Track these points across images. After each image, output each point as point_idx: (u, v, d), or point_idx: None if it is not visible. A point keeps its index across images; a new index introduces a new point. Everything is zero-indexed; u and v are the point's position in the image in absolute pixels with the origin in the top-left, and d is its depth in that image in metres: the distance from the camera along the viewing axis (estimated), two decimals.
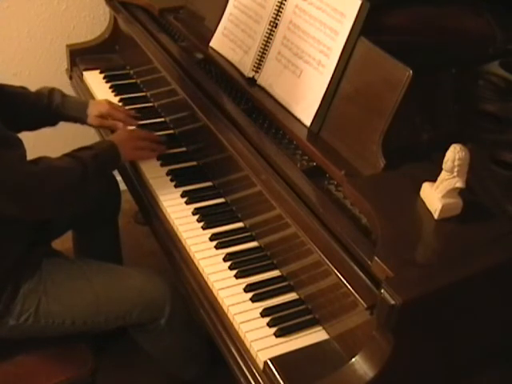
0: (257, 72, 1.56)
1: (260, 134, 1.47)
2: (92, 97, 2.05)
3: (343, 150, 1.31)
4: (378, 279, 1.06)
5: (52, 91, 1.73)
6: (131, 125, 1.82)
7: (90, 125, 1.80)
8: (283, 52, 1.49)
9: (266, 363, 1.19)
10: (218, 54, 1.70)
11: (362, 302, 1.11)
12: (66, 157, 1.48)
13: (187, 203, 1.57)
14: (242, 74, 1.60)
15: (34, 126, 1.74)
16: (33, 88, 1.74)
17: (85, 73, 2.14)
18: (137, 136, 1.72)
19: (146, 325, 1.61)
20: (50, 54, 2.45)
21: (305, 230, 1.25)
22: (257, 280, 1.37)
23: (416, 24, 1.47)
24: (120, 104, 1.98)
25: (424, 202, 1.17)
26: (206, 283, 1.38)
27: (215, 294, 1.35)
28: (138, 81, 2.11)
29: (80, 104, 1.78)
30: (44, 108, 1.71)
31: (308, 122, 1.40)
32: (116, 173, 1.84)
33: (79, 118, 1.76)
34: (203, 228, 1.50)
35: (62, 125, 1.79)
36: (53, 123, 1.77)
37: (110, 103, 1.83)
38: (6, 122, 1.34)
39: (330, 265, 1.18)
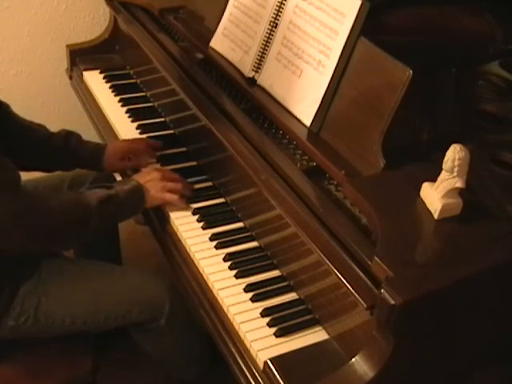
0: (257, 72, 1.56)
1: (260, 134, 1.47)
2: (92, 97, 2.05)
3: (343, 150, 1.31)
4: (378, 279, 1.06)
5: (70, 133, 1.68)
6: (153, 156, 1.72)
7: (108, 170, 1.73)
8: (283, 52, 1.49)
9: (266, 363, 1.19)
10: (218, 54, 1.70)
11: (362, 302, 1.11)
12: (71, 195, 1.43)
13: (187, 203, 1.57)
14: (242, 74, 1.60)
15: (48, 166, 1.68)
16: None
17: (85, 73, 2.14)
18: (166, 176, 1.55)
19: (146, 325, 1.61)
20: (50, 53, 2.45)
21: (305, 230, 1.25)
22: (257, 280, 1.37)
23: (416, 24, 1.47)
24: (120, 104, 1.98)
25: (424, 202, 1.17)
26: (205, 283, 1.38)
27: (215, 293, 1.35)
28: (138, 81, 2.11)
29: (97, 147, 1.70)
30: (59, 148, 1.65)
31: (308, 122, 1.40)
32: (116, 174, 1.84)
33: (95, 162, 1.69)
34: (203, 228, 1.50)
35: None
36: (68, 167, 1.71)
37: (125, 140, 1.77)
38: (15, 157, 1.30)
39: (330, 265, 1.18)
